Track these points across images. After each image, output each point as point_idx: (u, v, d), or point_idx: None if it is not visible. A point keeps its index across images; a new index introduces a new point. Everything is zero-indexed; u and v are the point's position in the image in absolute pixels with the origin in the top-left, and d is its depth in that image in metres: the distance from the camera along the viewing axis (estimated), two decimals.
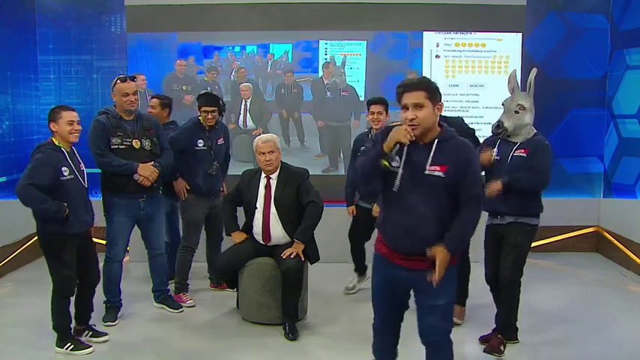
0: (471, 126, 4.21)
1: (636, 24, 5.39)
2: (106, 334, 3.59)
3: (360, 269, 4.50)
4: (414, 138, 2.31)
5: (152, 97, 4.66)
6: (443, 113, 4.16)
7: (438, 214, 2.34)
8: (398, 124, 2.37)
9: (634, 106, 5.37)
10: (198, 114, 4.23)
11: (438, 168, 2.31)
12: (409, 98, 2.31)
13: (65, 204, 3.22)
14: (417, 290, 2.48)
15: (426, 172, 2.32)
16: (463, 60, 5.60)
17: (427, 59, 5.59)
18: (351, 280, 4.50)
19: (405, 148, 2.34)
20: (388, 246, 2.48)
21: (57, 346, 3.37)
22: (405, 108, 2.33)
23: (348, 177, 4.49)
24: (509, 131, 3.31)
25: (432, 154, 2.33)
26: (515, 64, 5.47)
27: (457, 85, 5.61)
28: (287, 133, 5.68)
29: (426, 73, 5.57)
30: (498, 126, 3.32)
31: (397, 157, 2.36)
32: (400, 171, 2.36)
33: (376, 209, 3.46)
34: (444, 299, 2.41)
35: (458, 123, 4.01)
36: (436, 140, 2.34)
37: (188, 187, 4.25)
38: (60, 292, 3.33)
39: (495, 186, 3.24)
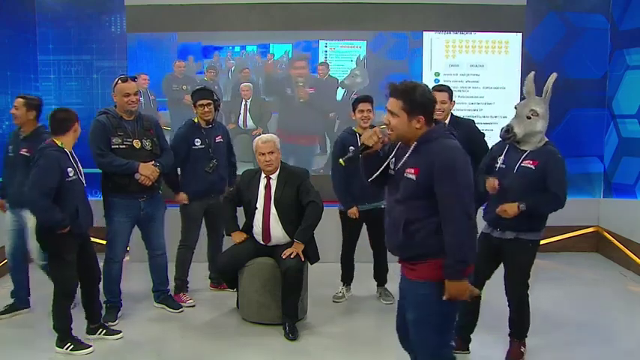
0: (475, 122, 4.14)
1: (636, 24, 5.39)
2: (120, 332, 3.62)
3: (347, 278, 4.40)
4: (381, 143, 2.31)
5: (17, 97, 3.98)
6: (453, 111, 4.05)
7: (410, 217, 2.25)
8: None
9: (634, 106, 5.37)
10: (195, 112, 4.24)
11: (412, 170, 2.24)
12: (388, 103, 2.27)
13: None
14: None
15: (405, 174, 2.27)
16: (463, 40, 5.58)
17: (427, 41, 5.56)
18: (340, 289, 4.41)
19: (395, 151, 2.34)
20: None
21: (57, 346, 3.37)
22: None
23: (334, 181, 4.19)
24: (519, 137, 3.11)
25: (406, 156, 2.28)
26: (515, 47, 5.50)
27: (457, 65, 5.60)
28: None
29: (426, 54, 5.58)
30: (507, 131, 3.11)
31: (394, 160, 2.35)
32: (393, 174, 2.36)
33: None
34: (415, 314, 2.32)
35: (468, 125, 3.92)
36: (415, 143, 2.27)
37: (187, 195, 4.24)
38: (61, 292, 3.33)
39: (511, 210, 3.04)
